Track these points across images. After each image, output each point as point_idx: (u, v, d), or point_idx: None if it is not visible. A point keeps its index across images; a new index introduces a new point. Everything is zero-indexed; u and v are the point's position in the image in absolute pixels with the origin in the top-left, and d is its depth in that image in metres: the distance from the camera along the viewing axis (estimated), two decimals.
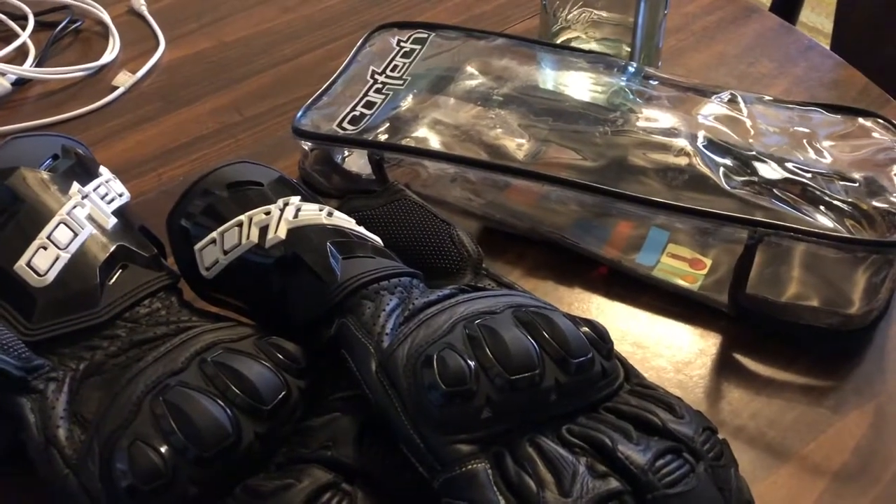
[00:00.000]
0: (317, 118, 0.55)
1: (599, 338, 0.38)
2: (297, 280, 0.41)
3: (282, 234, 0.42)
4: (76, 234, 0.42)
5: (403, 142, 0.54)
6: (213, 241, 0.43)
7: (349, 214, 0.45)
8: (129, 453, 0.34)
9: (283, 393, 0.37)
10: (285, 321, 0.42)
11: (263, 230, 0.42)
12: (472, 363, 0.35)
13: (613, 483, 0.33)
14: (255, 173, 0.45)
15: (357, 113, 0.55)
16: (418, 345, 0.36)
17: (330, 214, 0.43)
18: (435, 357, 0.35)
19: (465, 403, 0.34)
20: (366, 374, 0.37)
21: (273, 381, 0.37)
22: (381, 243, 0.44)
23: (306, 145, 0.56)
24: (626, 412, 0.36)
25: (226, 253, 0.43)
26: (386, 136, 0.55)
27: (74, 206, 0.43)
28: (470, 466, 0.34)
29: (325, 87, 0.58)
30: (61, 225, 0.42)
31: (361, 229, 0.44)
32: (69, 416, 0.37)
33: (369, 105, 0.56)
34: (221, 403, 0.35)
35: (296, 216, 0.42)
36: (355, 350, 0.38)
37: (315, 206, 0.43)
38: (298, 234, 0.42)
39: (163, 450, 0.34)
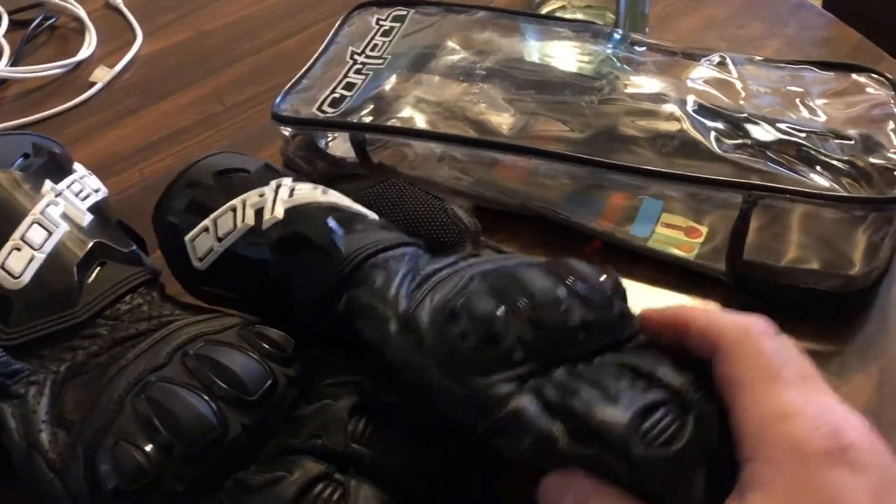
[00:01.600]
0: (296, 103, 0.54)
1: (615, 282, 0.37)
2: (300, 259, 0.40)
3: (279, 213, 0.40)
4: (50, 234, 0.40)
5: (388, 122, 0.53)
6: (206, 229, 0.41)
7: None
8: (113, 454, 0.33)
9: (269, 382, 0.36)
10: (286, 307, 0.40)
11: (259, 212, 0.40)
12: (499, 306, 0.34)
13: (658, 392, 0.32)
14: (241, 161, 0.44)
15: (337, 95, 0.54)
16: (439, 301, 0.35)
17: (325, 192, 0.42)
18: (461, 304, 0.34)
19: (496, 345, 0.33)
20: (387, 338, 0.36)
21: (258, 371, 0.36)
22: (378, 218, 0.43)
23: (286, 131, 0.54)
24: (646, 343, 0.35)
25: (220, 240, 0.41)
26: (371, 117, 0.53)
27: (48, 205, 0.41)
28: (514, 404, 0.32)
29: (303, 70, 0.56)
30: (35, 225, 0.40)
31: (358, 206, 0.42)
32: (52, 420, 0.36)
33: (349, 86, 0.54)
34: (206, 397, 0.34)
35: (291, 195, 0.41)
36: (370, 318, 0.37)
37: (309, 185, 0.42)
38: (296, 212, 0.40)
39: (147, 448, 0.33)
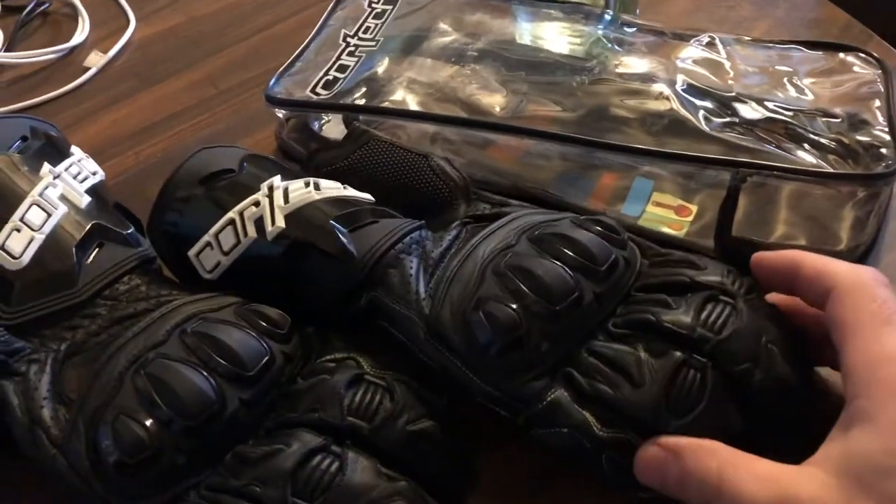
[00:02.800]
0: (290, 85, 0.54)
1: (611, 232, 0.39)
2: (311, 264, 0.41)
3: (280, 223, 0.40)
4: (49, 215, 0.41)
5: (381, 104, 0.53)
6: (209, 245, 0.42)
7: (317, 170, 0.44)
8: (114, 428, 0.34)
9: (266, 358, 0.36)
10: (302, 302, 0.41)
11: (259, 222, 0.41)
12: (515, 306, 0.36)
13: (675, 354, 0.35)
14: (222, 159, 0.44)
15: (330, 77, 0.54)
16: (458, 304, 0.37)
17: (317, 187, 0.42)
18: (482, 313, 0.36)
19: (523, 347, 0.36)
20: (419, 343, 0.39)
21: (255, 347, 0.36)
22: (373, 199, 0.43)
23: (280, 113, 0.55)
24: (655, 284, 0.38)
25: (226, 254, 0.41)
26: (364, 100, 0.54)
27: (46, 187, 0.42)
28: (551, 397, 0.35)
29: (297, 53, 0.57)
30: (34, 206, 0.41)
31: (350, 191, 0.43)
32: (53, 397, 0.37)
33: (342, 69, 0.55)
34: (204, 373, 0.35)
35: (286, 200, 0.41)
36: (398, 322, 0.39)
37: (300, 183, 0.42)
38: (297, 218, 0.41)
39: (147, 423, 0.34)
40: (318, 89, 0.53)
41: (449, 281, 0.38)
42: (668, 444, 0.33)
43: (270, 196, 0.41)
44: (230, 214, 0.41)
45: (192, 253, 0.42)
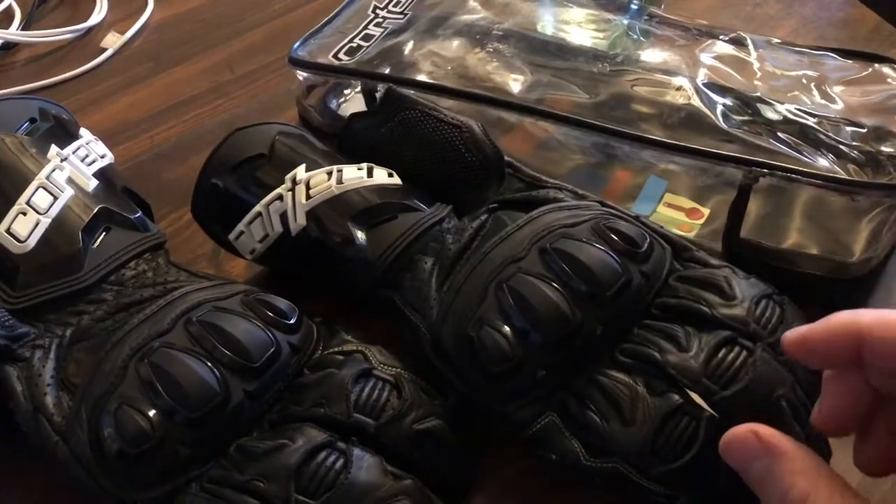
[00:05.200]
0: (314, 49, 0.54)
1: (631, 245, 0.37)
2: (333, 259, 0.41)
3: (301, 220, 0.41)
4: (56, 198, 0.40)
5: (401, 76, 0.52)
6: (243, 233, 0.43)
7: (354, 140, 0.44)
8: (116, 418, 0.34)
9: (272, 350, 0.36)
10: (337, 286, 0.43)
11: (283, 217, 0.42)
12: (508, 335, 0.35)
13: (673, 398, 0.33)
14: (255, 142, 0.44)
15: (354, 45, 0.54)
16: (460, 320, 0.37)
17: (339, 180, 0.42)
18: (475, 339, 0.36)
19: (514, 377, 0.35)
20: (425, 349, 0.39)
21: (261, 338, 0.36)
22: (398, 183, 0.42)
23: (301, 76, 0.54)
24: (675, 307, 0.36)
25: (260, 242, 0.43)
26: (387, 70, 0.53)
27: (53, 170, 0.41)
28: (542, 423, 0.35)
29: (326, 20, 0.57)
30: (40, 189, 0.40)
31: (375, 177, 0.42)
32: (57, 383, 0.37)
33: (367, 38, 0.55)
34: (208, 363, 0.35)
35: (308, 197, 0.41)
36: (410, 326, 0.39)
37: (322, 175, 0.42)
38: (316, 216, 0.41)
39: (150, 413, 0.34)
40: (341, 55, 0.53)
41: (456, 291, 0.37)
42: (767, 439, 0.28)
43: (293, 191, 0.42)
44: (257, 208, 0.42)
45: (231, 237, 0.44)
